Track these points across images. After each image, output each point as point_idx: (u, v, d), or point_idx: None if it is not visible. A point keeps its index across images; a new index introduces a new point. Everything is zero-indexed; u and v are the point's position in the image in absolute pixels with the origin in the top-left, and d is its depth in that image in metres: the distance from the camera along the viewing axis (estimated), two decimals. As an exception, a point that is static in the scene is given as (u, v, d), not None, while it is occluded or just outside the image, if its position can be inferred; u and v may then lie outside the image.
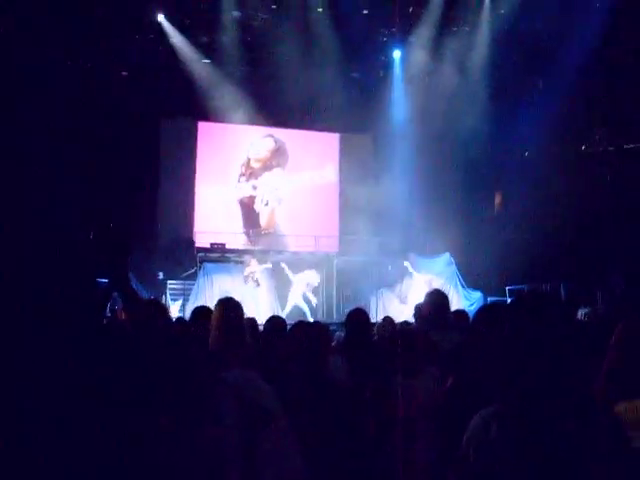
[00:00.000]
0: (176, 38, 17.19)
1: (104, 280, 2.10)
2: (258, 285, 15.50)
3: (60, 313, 1.49)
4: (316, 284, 16.38)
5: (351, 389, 3.90)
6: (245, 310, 4.23)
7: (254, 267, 15.80)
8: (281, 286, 16.20)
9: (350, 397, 3.78)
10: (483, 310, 2.81)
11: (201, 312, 4.56)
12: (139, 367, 1.60)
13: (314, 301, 16.13)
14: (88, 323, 1.56)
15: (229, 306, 3.78)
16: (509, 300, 16.59)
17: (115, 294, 1.83)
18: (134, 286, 1.81)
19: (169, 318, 2.15)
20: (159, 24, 16.86)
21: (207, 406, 2.35)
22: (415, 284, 16.84)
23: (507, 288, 17.03)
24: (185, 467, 1.88)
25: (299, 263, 17.66)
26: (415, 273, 17.21)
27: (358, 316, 5.10)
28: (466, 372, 2.87)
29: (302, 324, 3.74)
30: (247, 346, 3.96)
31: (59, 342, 1.46)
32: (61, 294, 1.49)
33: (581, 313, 8.51)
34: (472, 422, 1.81)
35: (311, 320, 14.25)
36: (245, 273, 15.71)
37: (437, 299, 5.23)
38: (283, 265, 16.99)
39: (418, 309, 5.78)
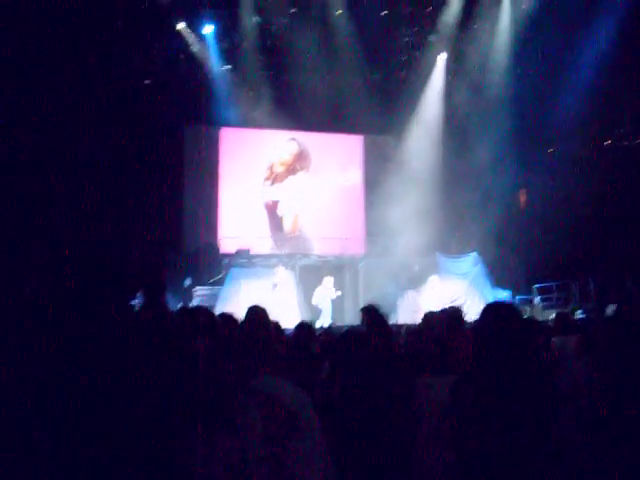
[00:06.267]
0: (197, 46, 17.29)
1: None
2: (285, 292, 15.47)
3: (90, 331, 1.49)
4: (333, 289, 16.22)
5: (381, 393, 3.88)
6: (274, 316, 4.23)
7: (281, 276, 15.70)
8: (308, 291, 16.12)
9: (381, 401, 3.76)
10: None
11: (225, 319, 4.53)
12: (168, 374, 1.59)
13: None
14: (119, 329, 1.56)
15: (256, 313, 3.78)
16: (537, 298, 16.56)
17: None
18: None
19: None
20: (180, 32, 16.96)
21: (231, 416, 2.34)
22: (438, 286, 16.60)
23: (535, 286, 16.91)
24: (206, 477, 1.86)
25: (324, 267, 17.61)
26: (436, 276, 16.91)
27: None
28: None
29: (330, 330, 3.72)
30: (275, 352, 3.97)
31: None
32: (95, 313, 1.49)
33: (610, 310, 8.39)
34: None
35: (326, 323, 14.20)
36: (273, 281, 15.64)
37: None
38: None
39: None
